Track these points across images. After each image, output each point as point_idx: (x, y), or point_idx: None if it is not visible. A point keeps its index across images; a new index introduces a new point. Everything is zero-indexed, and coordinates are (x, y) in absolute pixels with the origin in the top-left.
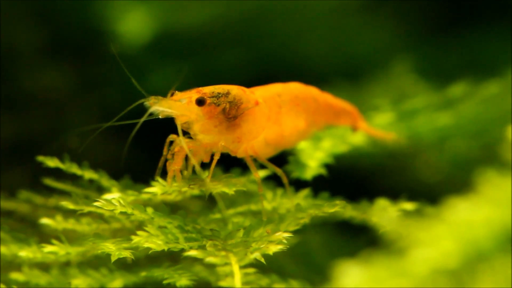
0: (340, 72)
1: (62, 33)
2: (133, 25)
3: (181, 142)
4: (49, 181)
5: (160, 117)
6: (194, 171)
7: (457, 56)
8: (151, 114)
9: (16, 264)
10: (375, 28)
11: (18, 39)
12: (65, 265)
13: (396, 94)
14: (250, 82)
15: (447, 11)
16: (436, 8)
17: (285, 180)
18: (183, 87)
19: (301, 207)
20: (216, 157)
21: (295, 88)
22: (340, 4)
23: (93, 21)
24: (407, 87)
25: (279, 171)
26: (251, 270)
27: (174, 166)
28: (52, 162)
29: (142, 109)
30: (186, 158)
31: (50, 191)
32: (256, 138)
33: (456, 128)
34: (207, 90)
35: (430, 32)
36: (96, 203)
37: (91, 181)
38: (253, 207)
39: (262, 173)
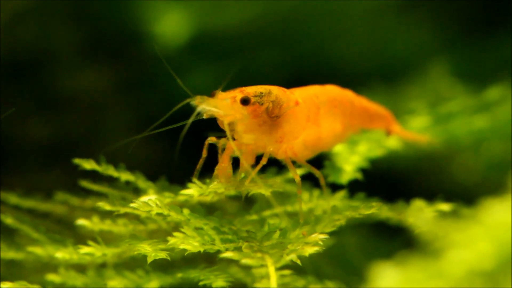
0: (377, 74)
1: (100, 34)
2: (171, 26)
3: (228, 141)
4: (85, 183)
5: (204, 117)
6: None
7: (494, 59)
8: (198, 114)
9: (52, 265)
10: (412, 30)
11: (56, 41)
12: (101, 267)
13: (432, 97)
14: (287, 83)
15: (485, 12)
16: (474, 10)
17: (322, 181)
18: (222, 88)
19: (337, 208)
20: (264, 161)
21: (332, 90)
22: (377, 6)
23: (130, 22)
24: (443, 90)
25: (317, 172)
26: (287, 271)
27: (222, 165)
28: (88, 165)
29: (181, 111)
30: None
31: (87, 193)
32: (297, 138)
33: (492, 131)
34: (250, 90)
35: (468, 34)
36: (132, 204)
37: (127, 182)
38: (289, 208)
39: (298, 173)
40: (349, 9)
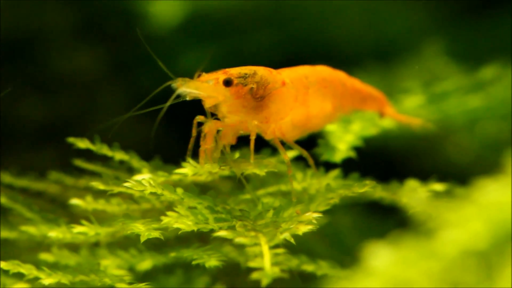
0: (371, 55)
1: (94, 15)
2: (165, 6)
3: (209, 123)
4: (79, 162)
5: (187, 99)
6: (223, 152)
7: (489, 38)
8: (178, 97)
9: (45, 245)
10: (407, 9)
11: (50, 22)
12: (94, 246)
13: (427, 77)
14: (280, 64)
15: None
16: None
17: (311, 161)
18: (214, 69)
19: (331, 187)
20: (253, 137)
21: (322, 70)
22: None
23: (124, 2)
24: (438, 70)
25: (305, 152)
26: (280, 250)
27: (205, 146)
28: (82, 144)
29: (173, 92)
30: (216, 139)
31: (81, 172)
32: (284, 119)
33: (486, 110)
34: (234, 71)
35: (462, 14)
36: (126, 184)
37: (121, 162)
38: (283, 187)
39: (291, 154)
40: None
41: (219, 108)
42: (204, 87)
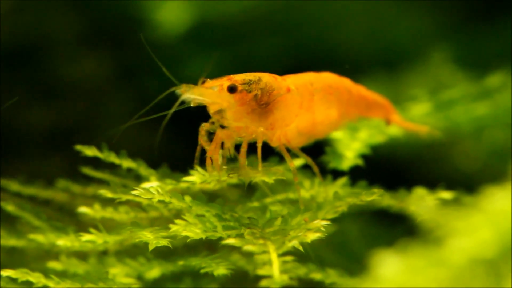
0: (377, 62)
1: (100, 21)
2: (171, 13)
3: (215, 130)
4: (87, 170)
5: (192, 105)
6: (230, 160)
7: (495, 45)
8: (182, 103)
9: (54, 253)
10: (413, 16)
11: (56, 29)
12: (102, 254)
13: (433, 84)
14: (286, 70)
15: None
16: None
17: (315, 169)
18: (220, 76)
19: (338, 195)
20: (259, 145)
21: (328, 77)
22: None
23: (131, 9)
24: (445, 77)
25: (309, 160)
26: (289, 258)
27: (211, 153)
28: (90, 151)
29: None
30: (222, 146)
31: (88, 180)
32: (289, 125)
33: (493, 118)
34: (238, 77)
35: (469, 21)
36: (134, 192)
37: (129, 170)
38: (291, 195)
39: (298, 162)
40: None
41: (223, 114)
42: (208, 93)
